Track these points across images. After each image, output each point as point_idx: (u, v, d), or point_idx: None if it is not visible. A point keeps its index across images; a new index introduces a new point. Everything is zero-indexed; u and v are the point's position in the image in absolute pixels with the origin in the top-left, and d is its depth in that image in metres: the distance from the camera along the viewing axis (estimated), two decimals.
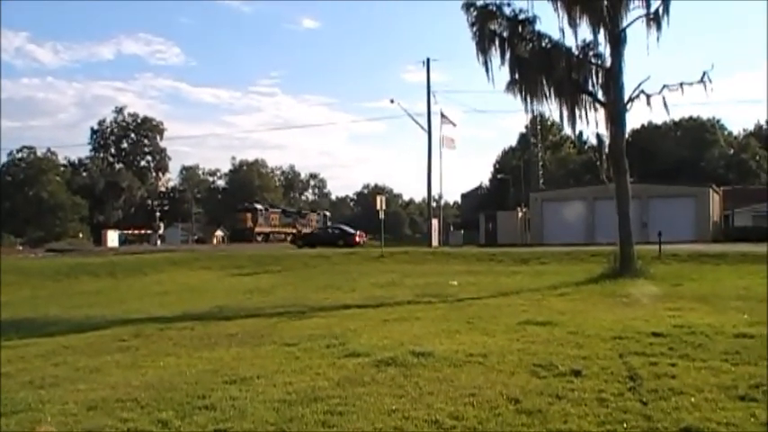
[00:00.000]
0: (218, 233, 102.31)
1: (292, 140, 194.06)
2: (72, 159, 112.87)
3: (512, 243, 47.66)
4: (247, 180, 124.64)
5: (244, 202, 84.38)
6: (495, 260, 29.23)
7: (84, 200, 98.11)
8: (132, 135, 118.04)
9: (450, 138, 53.90)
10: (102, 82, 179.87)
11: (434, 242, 49.85)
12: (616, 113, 21.62)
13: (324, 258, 32.79)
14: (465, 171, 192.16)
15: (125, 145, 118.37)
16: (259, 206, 76.41)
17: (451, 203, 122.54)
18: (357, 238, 52.09)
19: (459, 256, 31.95)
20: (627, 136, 24.10)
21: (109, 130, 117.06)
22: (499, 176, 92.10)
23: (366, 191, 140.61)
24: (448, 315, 13.51)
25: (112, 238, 72.54)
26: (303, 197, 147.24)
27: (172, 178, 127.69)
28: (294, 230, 64.62)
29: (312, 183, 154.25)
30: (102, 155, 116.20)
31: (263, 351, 10.04)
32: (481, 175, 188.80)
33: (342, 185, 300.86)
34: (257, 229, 69.22)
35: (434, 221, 52.17)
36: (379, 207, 38.41)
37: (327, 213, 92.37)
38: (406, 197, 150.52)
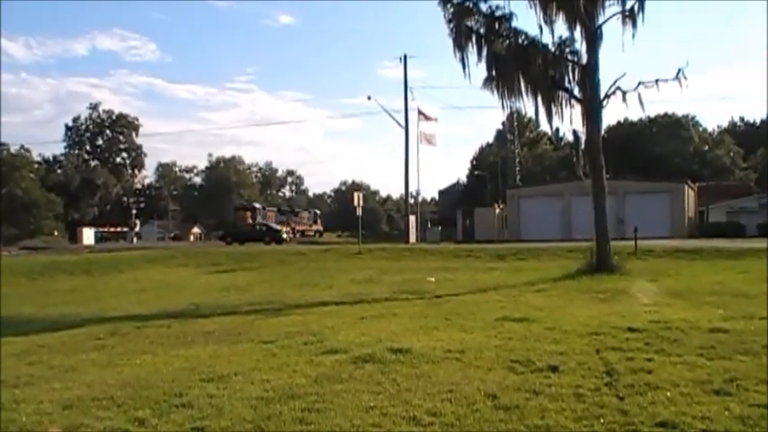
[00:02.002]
0: (195, 230, 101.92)
1: (269, 137, 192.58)
2: (46, 156, 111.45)
3: (489, 239, 47.77)
4: (224, 177, 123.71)
5: (243, 202, 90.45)
6: (472, 256, 29.26)
7: (59, 197, 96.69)
8: (107, 132, 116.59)
9: (430, 134, 54.17)
10: (77, 78, 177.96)
11: (412, 239, 49.95)
12: (592, 110, 21.76)
13: (300, 255, 32.72)
14: (442, 167, 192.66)
15: (100, 142, 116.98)
16: (257, 205, 78.72)
17: (429, 200, 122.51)
18: (284, 235, 55.76)
19: (436, 253, 31.98)
20: (603, 132, 24.26)
21: (84, 126, 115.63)
22: (476, 173, 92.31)
23: (344, 187, 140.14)
24: (425, 312, 13.53)
25: (88, 235, 71.93)
26: (280, 194, 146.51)
27: (148, 175, 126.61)
28: (287, 228, 65.86)
29: (289, 179, 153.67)
30: (76, 152, 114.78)
31: (240, 349, 10.00)
32: (458, 171, 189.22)
33: (319, 182, 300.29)
34: None
35: (412, 218, 52.30)
36: (356, 204, 38.44)
37: (318, 211, 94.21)
38: (383, 194, 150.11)
